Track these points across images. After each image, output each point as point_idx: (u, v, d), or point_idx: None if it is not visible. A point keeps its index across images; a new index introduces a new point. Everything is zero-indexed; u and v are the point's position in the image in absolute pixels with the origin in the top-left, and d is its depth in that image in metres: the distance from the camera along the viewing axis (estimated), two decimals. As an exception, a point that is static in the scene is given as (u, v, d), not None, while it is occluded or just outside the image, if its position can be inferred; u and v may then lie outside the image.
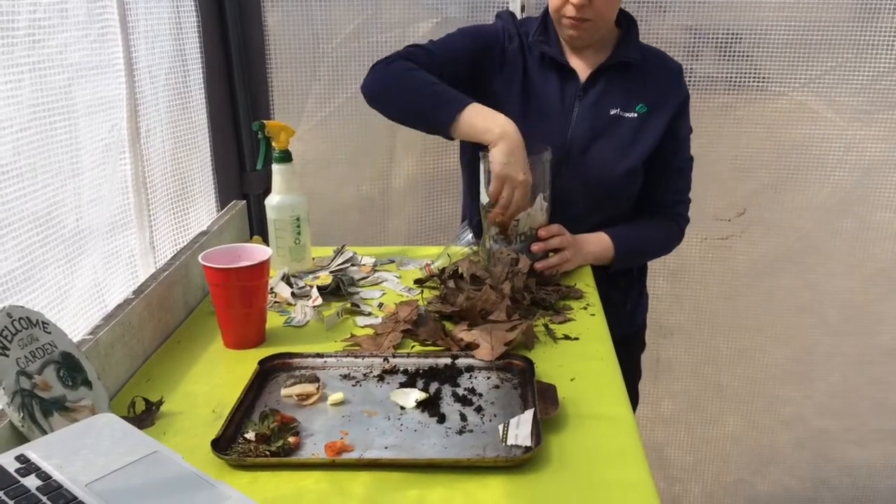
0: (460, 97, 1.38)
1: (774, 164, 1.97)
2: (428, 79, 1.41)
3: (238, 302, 1.20)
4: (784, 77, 1.88)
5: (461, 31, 1.55)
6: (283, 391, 1.06)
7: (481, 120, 1.35)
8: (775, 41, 1.86)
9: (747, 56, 1.88)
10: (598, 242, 1.52)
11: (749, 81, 1.90)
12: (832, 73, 1.86)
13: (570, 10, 1.41)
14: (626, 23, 1.53)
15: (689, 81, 1.90)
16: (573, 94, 1.50)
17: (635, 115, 1.50)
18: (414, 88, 1.41)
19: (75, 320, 1.19)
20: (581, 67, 1.51)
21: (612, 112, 1.49)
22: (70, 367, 0.96)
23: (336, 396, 1.05)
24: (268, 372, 1.12)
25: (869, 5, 1.81)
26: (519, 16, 1.71)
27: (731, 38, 1.87)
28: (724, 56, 1.89)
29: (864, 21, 1.83)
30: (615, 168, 1.50)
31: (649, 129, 1.50)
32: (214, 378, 1.14)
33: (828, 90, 1.88)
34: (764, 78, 1.89)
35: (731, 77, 1.90)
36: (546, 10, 1.50)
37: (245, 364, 1.14)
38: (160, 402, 1.04)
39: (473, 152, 1.52)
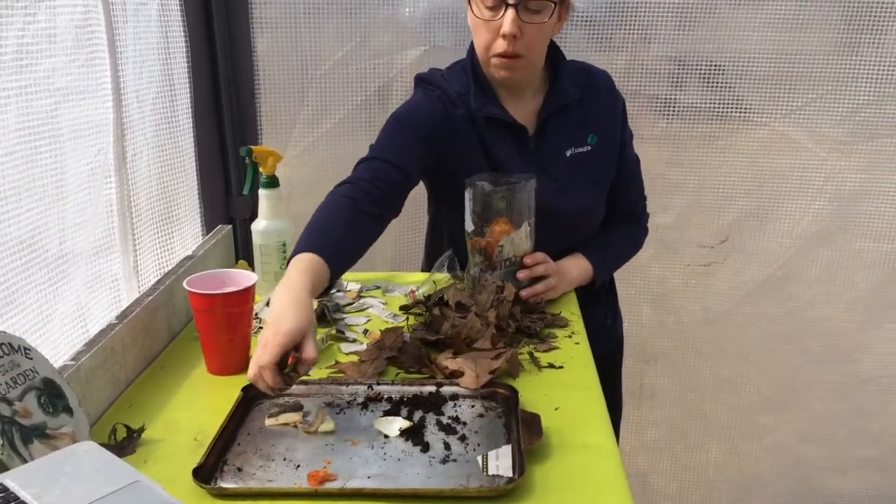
0: (297, 248, 1.17)
1: (757, 192, 1.99)
2: (318, 216, 1.26)
3: (222, 328, 1.19)
4: (766, 108, 1.91)
5: (396, 122, 1.42)
6: (268, 421, 1.06)
7: (280, 285, 1.10)
8: (757, 72, 1.89)
9: (730, 87, 1.91)
10: (579, 266, 1.52)
11: (732, 112, 1.93)
12: (813, 104, 1.90)
13: (499, 46, 1.34)
14: (553, 56, 1.47)
15: (674, 110, 1.94)
16: (527, 148, 1.47)
17: (589, 147, 1.50)
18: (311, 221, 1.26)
19: (57, 345, 1.18)
20: (525, 118, 1.46)
21: (568, 153, 1.49)
22: (51, 394, 0.95)
23: (327, 426, 1.04)
24: (251, 399, 1.12)
25: (849, 39, 1.84)
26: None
27: (714, 70, 1.90)
28: (708, 86, 1.91)
29: (844, 54, 1.86)
30: (585, 205, 1.52)
31: (606, 156, 1.51)
32: (197, 405, 1.13)
33: (809, 121, 1.91)
34: (746, 109, 1.92)
35: (714, 107, 1.93)
36: (470, 65, 1.44)
37: (228, 391, 1.13)
38: (141, 430, 1.03)
39: (436, 206, 1.56)
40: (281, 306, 1.04)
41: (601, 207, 1.56)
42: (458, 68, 1.48)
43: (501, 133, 1.45)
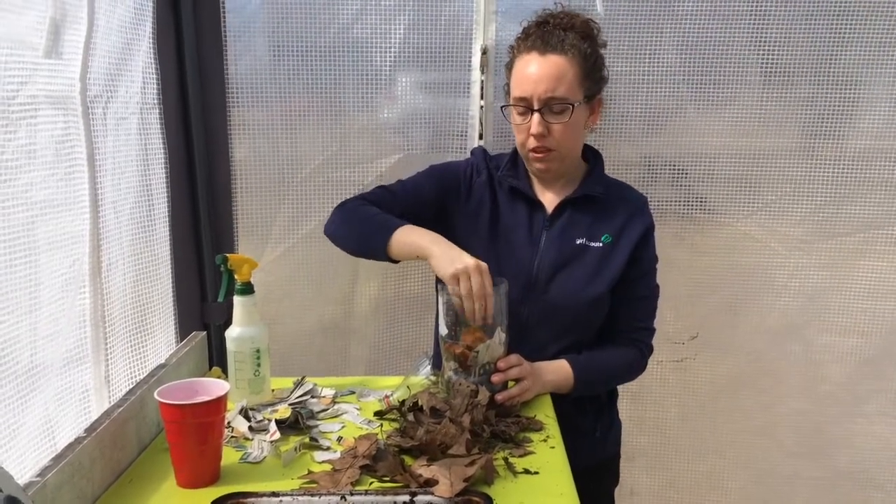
0: (394, 221, 1.46)
1: (727, 288, 2.03)
2: (370, 211, 1.49)
3: (193, 438, 1.18)
4: (729, 208, 1.98)
5: (430, 169, 1.63)
6: (237, 535, 1.03)
7: (410, 237, 1.41)
8: (719, 175, 1.96)
9: (694, 188, 1.97)
10: (558, 370, 1.53)
11: (697, 212, 1.99)
12: (773, 205, 1.96)
13: (532, 143, 1.50)
14: (592, 158, 1.62)
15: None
16: (540, 224, 1.56)
17: (601, 244, 1.54)
18: (357, 221, 1.49)
19: (23, 460, 1.16)
20: (548, 200, 1.58)
21: (579, 241, 1.54)
22: (15, 513, 0.93)
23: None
24: (221, 513, 1.10)
25: (806, 143, 1.92)
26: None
27: (678, 172, 1.97)
28: (673, 187, 1.98)
29: (802, 157, 1.94)
30: (581, 295, 1.53)
31: (615, 257, 1.54)
32: (165, 521, 1.11)
33: (770, 221, 1.98)
34: (710, 210, 1.98)
35: (680, 207, 1.98)
36: (515, 148, 1.59)
37: (198, 505, 1.11)
38: (107, 549, 1.01)
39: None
40: (451, 248, 1.36)
41: (597, 304, 1.55)
42: (510, 151, 1.62)
43: (518, 204, 1.58)
